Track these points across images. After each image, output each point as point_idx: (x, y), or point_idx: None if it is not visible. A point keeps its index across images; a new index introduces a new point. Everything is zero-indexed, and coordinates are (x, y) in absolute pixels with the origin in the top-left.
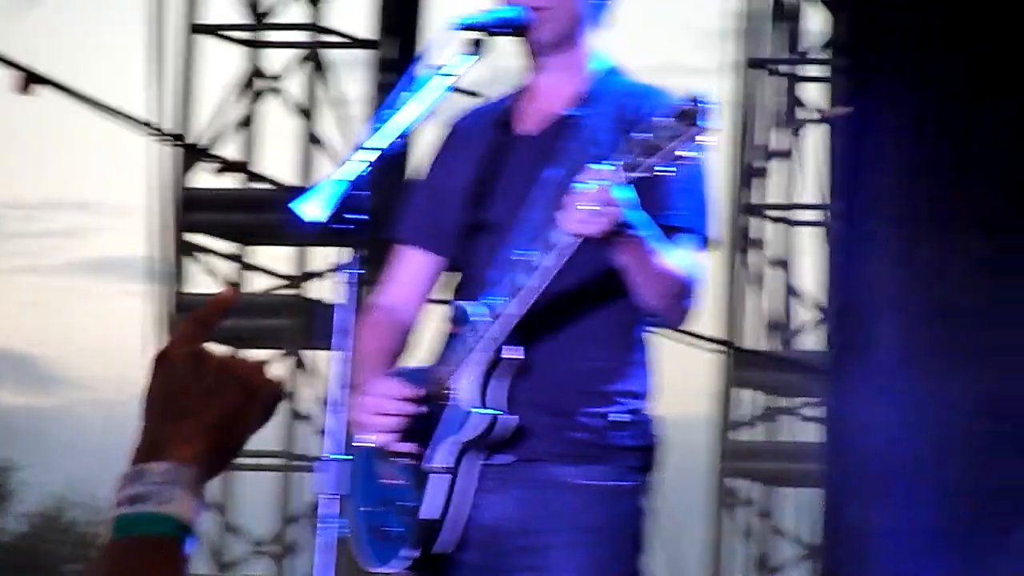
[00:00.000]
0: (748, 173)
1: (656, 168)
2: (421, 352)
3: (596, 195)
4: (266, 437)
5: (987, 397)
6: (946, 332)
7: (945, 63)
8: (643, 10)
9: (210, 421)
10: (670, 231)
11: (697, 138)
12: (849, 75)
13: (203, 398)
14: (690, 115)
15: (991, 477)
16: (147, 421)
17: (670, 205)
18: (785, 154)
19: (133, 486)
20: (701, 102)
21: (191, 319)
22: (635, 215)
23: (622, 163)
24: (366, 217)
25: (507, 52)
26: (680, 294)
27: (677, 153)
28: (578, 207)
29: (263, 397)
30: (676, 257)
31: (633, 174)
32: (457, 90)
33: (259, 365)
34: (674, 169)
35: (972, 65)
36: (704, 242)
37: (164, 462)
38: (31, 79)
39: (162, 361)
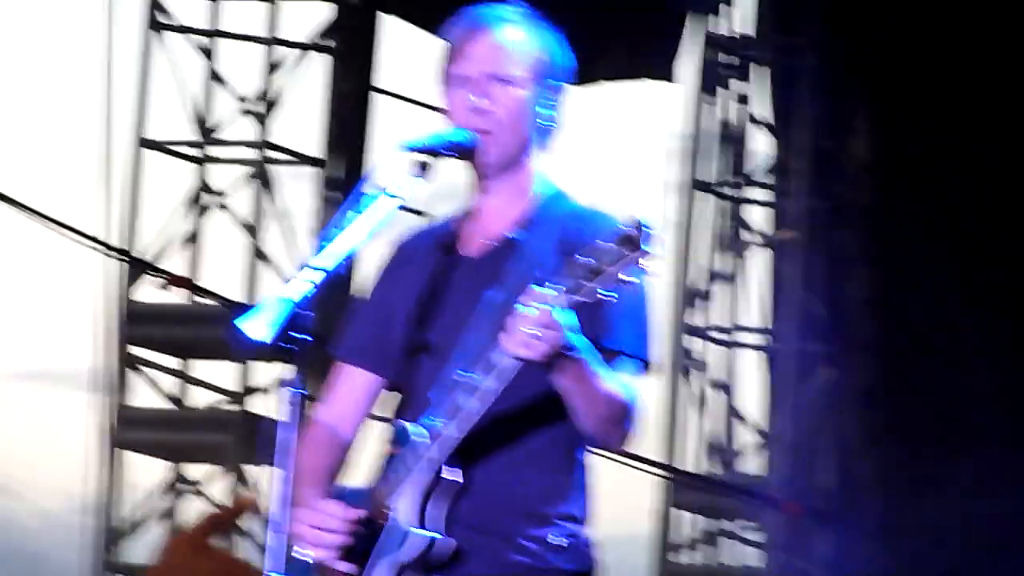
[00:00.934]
0: (690, 295)
1: (599, 292)
2: (359, 470)
3: (538, 318)
4: None
5: (934, 527)
6: (884, 458)
7: (892, 190)
8: (586, 131)
9: None
10: (612, 355)
11: (640, 262)
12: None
13: None
14: (633, 239)
15: None
16: None
17: (612, 329)
18: (728, 277)
19: None
20: (644, 227)
21: (209, 519)
22: (576, 339)
23: (565, 286)
24: (310, 336)
25: (454, 170)
26: (621, 418)
27: (620, 277)
28: (520, 330)
29: None
30: (617, 381)
31: (576, 297)
32: (403, 209)
33: (255, 571)
34: (616, 293)
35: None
36: (645, 366)
37: None
38: None
39: (172, 548)
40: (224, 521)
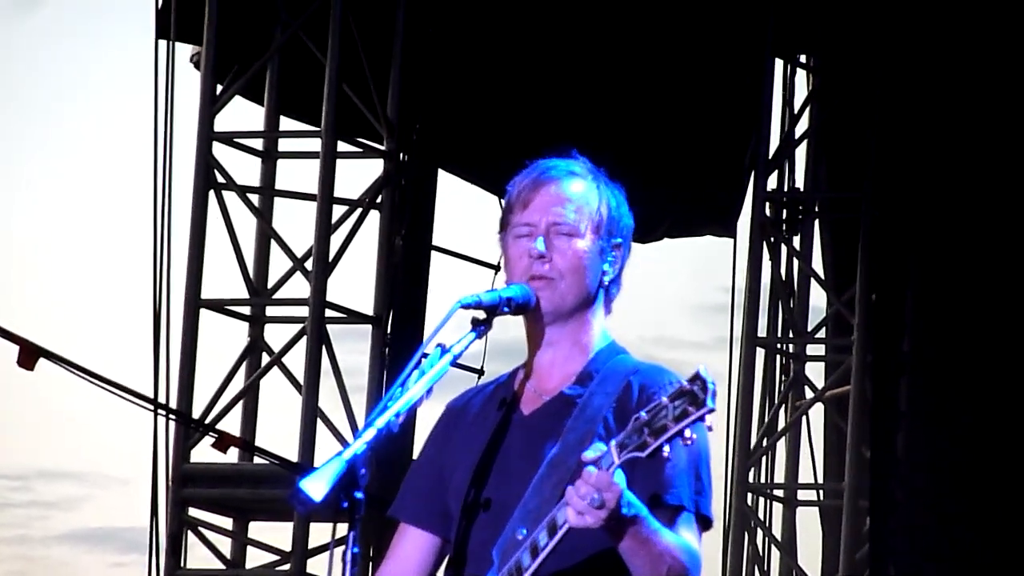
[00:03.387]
0: (749, 451)
1: (660, 448)
2: None
3: (597, 482)
4: None
5: None
6: None
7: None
8: (638, 284)
9: None
10: (672, 511)
11: (700, 418)
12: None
13: None
14: (696, 396)
15: None
16: None
17: (672, 484)
18: (785, 432)
19: None
20: (707, 382)
21: None
22: (632, 498)
23: (626, 443)
24: (365, 495)
25: (513, 324)
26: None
27: (680, 433)
28: (580, 498)
29: None
30: (677, 540)
31: (637, 454)
32: (459, 366)
33: None
34: (678, 449)
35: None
36: (704, 522)
37: None
38: (34, 353)
39: None
40: None
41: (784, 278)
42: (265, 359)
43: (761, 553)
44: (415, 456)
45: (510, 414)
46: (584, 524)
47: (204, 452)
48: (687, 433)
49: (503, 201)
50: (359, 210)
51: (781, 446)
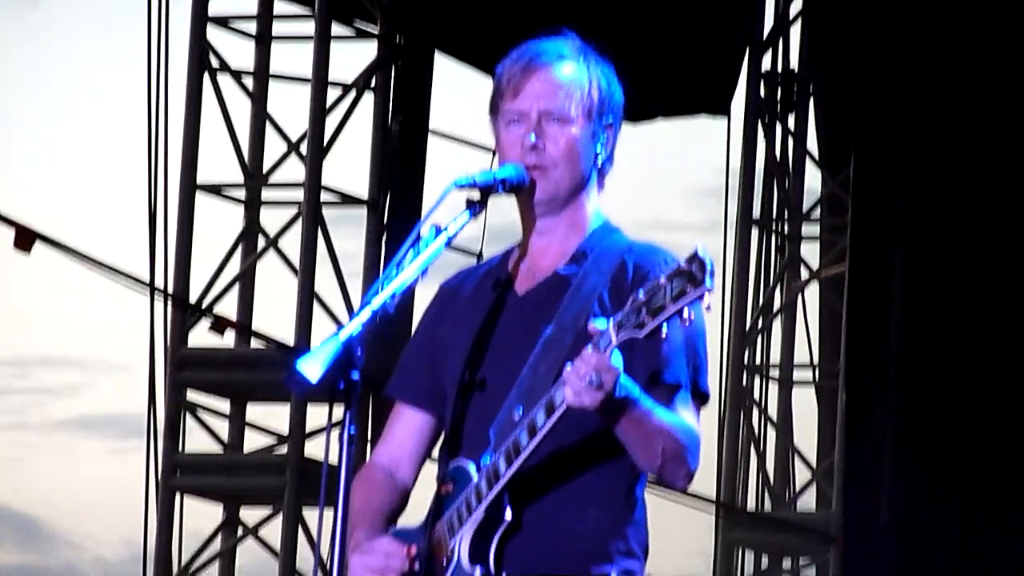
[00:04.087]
0: (744, 331)
1: (657, 326)
2: (415, 510)
3: (598, 363)
4: None
5: (989, 561)
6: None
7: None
8: (633, 168)
9: None
10: (670, 389)
11: (698, 298)
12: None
13: None
14: (694, 275)
15: None
16: None
17: (670, 363)
18: (780, 312)
19: None
20: (702, 261)
21: None
22: (625, 380)
23: (623, 322)
24: (364, 376)
25: (511, 208)
26: (681, 456)
27: (678, 312)
28: (580, 377)
29: None
30: (675, 418)
31: (635, 333)
32: (454, 248)
33: None
34: (676, 328)
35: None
36: (701, 398)
37: None
38: (30, 237)
39: None
40: None
41: (779, 159)
42: (261, 243)
43: (757, 433)
44: (413, 336)
45: (504, 294)
46: (581, 404)
47: (201, 336)
48: (685, 313)
49: (493, 84)
50: (354, 93)
51: (777, 326)
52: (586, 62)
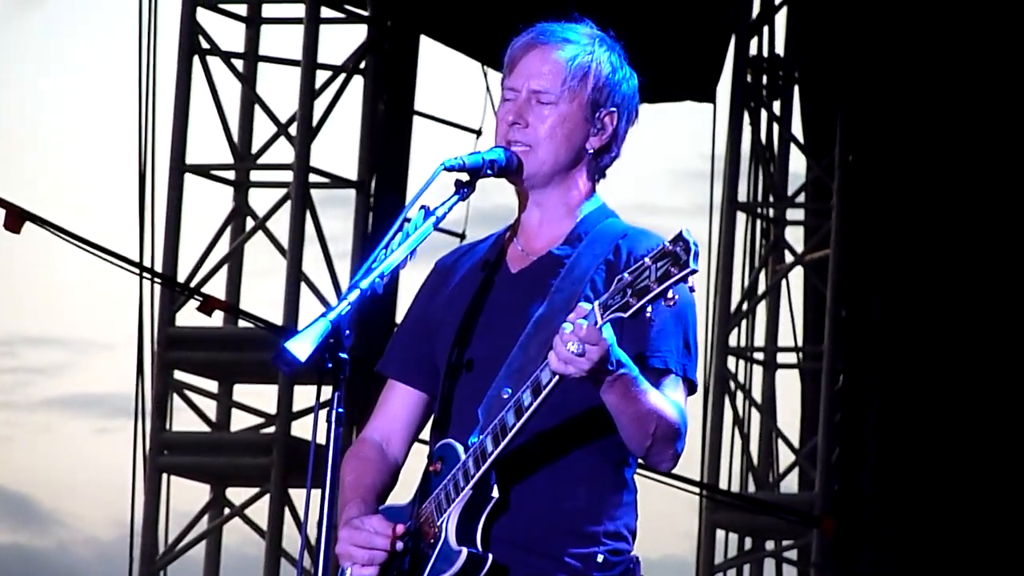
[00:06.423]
0: (728, 315)
1: (643, 309)
2: (404, 487)
3: (584, 335)
4: None
5: (972, 538)
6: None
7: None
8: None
9: None
10: (657, 372)
11: (682, 279)
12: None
13: None
14: (679, 257)
15: None
16: None
17: (657, 346)
18: (764, 296)
19: None
20: (690, 244)
21: None
22: (621, 355)
23: (610, 303)
24: (351, 356)
25: (494, 191)
26: (670, 437)
27: (664, 294)
28: (565, 347)
29: None
30: (664, 400)
31: (621, 314)
32: (442, 230)
33: None
34: (661, 310)
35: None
36: (689, 386)
37: None
38: (20, 216)
39: None
40: None
41: (764, 143)
42: (250, 224)
43: (741, 415)
44: (398, 319)
45: (496, 273)
46: (566, 372)
47: (189, 316)
48: (669, 294)
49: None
50: (342, 76)
51: (761, 310)
52: (592, 47)
